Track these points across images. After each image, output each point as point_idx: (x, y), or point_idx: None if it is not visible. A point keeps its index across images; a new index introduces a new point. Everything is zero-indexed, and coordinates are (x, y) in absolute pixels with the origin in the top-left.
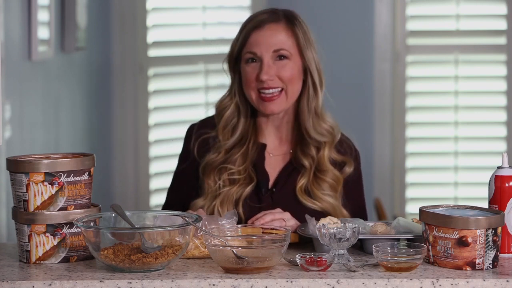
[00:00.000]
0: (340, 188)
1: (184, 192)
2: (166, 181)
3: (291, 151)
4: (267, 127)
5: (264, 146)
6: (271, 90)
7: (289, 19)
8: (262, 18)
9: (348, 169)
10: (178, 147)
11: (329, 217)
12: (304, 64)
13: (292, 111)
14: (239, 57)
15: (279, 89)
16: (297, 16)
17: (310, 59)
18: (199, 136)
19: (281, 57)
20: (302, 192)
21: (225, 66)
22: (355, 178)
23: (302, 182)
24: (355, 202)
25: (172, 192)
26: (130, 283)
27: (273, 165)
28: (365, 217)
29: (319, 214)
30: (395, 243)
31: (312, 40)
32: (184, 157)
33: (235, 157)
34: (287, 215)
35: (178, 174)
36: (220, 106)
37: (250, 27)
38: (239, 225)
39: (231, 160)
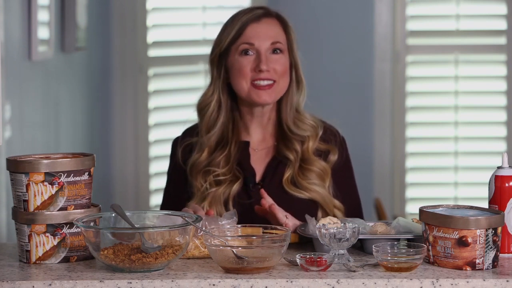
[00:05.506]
0: (329, 179)
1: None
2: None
3: (275, 143)
4: (252, 125)
5: (247, 144)
6: (265, 82)
7: (280, 18)
8: (258, 12)
9: (333, 157)
10: None
11: (329, 217)
12: (291, 60)
13: (275, 108)
14: (228, 51)
15: (272, 81)
16: (285, 17)
17: (298, 56)
18: (183, 144)
19: (275, 50)
20: (288, 183)
21: (209, 64)
22: (342, 165)
23: (288, 173)
24: (346, 191)
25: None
26: (130, 283)
27: (259, 160)
28: (358, 206)
29: (309, 203)
30: (395, 243)
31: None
32: (172, 170)
33: (218, 159)
34: (289, 215)
35: (169, 189)
36: (202, 104)
37: (246, 20)
38: (239, 225)
39: (214, 163)
